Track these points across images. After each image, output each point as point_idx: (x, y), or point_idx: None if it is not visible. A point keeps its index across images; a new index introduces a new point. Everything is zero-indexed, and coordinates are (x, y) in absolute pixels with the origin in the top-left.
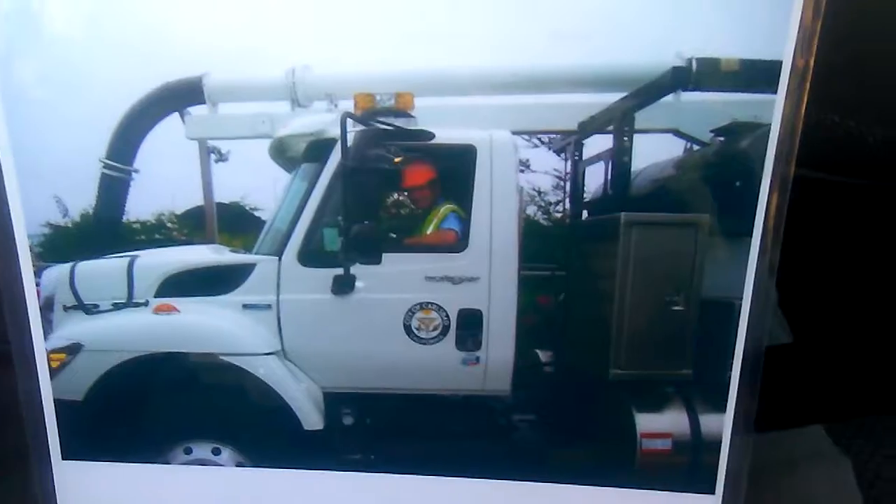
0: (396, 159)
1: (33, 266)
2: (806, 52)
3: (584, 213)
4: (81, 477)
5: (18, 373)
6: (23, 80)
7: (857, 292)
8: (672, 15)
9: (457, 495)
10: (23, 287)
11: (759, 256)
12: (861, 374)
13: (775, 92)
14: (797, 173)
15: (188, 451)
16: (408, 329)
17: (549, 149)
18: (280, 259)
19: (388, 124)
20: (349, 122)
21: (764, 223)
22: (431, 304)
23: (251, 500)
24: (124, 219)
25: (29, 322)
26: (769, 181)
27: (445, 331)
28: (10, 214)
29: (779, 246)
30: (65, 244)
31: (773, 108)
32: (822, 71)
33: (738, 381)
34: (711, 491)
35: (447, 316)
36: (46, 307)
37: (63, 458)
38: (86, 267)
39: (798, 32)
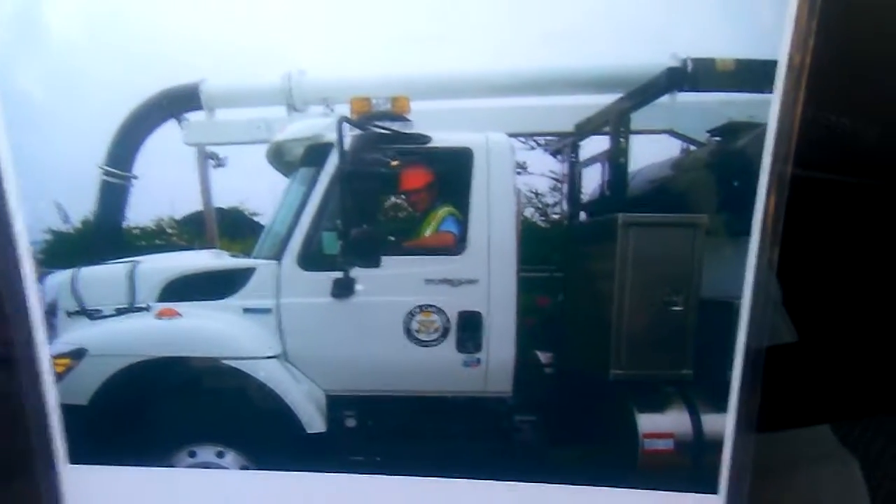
0: (393, 163)
1: (36, 272)
2: (801, 50)
3: (582, 215)
4: (87, 480)
5: (23, 378)
6: (23, 87)
7: (861, 290)
8: (667, 15)
9: (459, 496)
10: (26, 293)
11: (757, 255)
12: (869, 372)
13: (771, 91)
14: (794, 172)
15: (192, 455)
16: (408, 331)
17: (546, 151)
18: (280, 263)
19: (385, 128)
20: (346, 126)
21: (762, 222)
22: (431, 306)
23: (255, 502)
24: (125, 225)
25: (33, 328)
26: (766, 180)
27: (446, 333)
28: (11, 221)
29: (777, 244)
30: (67, 250)
31: (769, 108)
32: (818, 69)
33: (739, 379)
34: (714, 490)
35: (447, 318)
36: (50, 313)
37: (69, 462)
38: (88, 273)
39: (793, 31)
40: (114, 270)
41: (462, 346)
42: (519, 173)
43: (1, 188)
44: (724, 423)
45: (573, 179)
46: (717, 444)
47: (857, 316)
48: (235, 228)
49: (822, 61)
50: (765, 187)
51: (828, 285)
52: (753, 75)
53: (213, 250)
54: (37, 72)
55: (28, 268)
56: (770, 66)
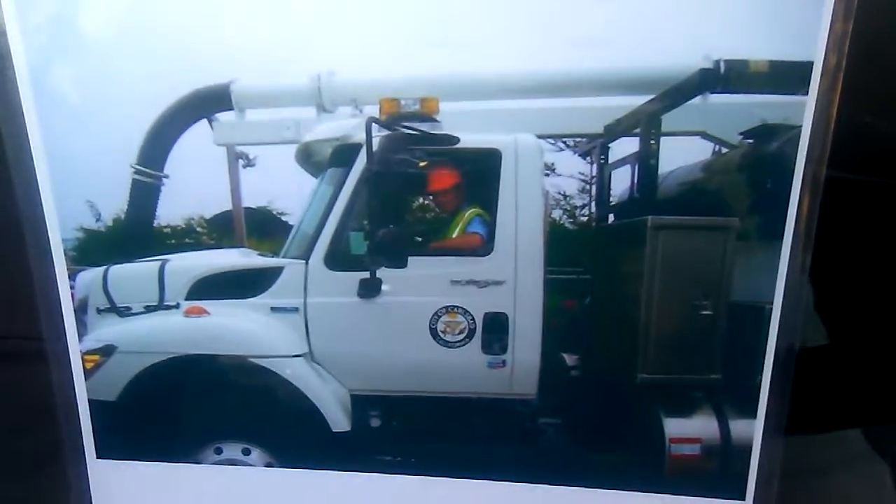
0: (421, 163)
1: (68, 269)
2: (837, 52)
3: (611, 217)
4: (115, 475)
5: (54, 373)
6: (57, 89)
7: (894, 293)
8: (700, 16)
9: (483, 498)
10: (58, 290)
11: (789, 259)
12: None
13: (806, 93)
14: (828, 174)
15: (219, 451)
16: (434, 332)
17: (575, 152)
18: (307, 263)
19: (413, 129)
20: (374, 126)
21: (795, 225)
22: (457, 307)
23: (280, 499)
24: (155, 223)
25: (64, 324)
26: (800, 183)
27: (471, 334)
28: (45, 219)
29: (810, 248)
30: (98, 248)
31: (804, 110)
32: (853, 71)
33: (768, 384)
34: (742, 496)
35: (473, 319)
36: (80, 309)
37: (97, 457)
38: (118, 270)
39: (829, 33)
40: (144, 268)
41: (488, 347)
42: (547, 175)
43: (35, 187)
44: (753, 429)
45: (602, 181)
46: (745, 450)
47: (890, 319)
48: (264, 228)
49: (857, 63)
50: (798, 190)
51: (860, 288)
52: (787, 77)
53: (242, 249)
54: (71, 74)
55: (60, 265)
56: (805, 67)
